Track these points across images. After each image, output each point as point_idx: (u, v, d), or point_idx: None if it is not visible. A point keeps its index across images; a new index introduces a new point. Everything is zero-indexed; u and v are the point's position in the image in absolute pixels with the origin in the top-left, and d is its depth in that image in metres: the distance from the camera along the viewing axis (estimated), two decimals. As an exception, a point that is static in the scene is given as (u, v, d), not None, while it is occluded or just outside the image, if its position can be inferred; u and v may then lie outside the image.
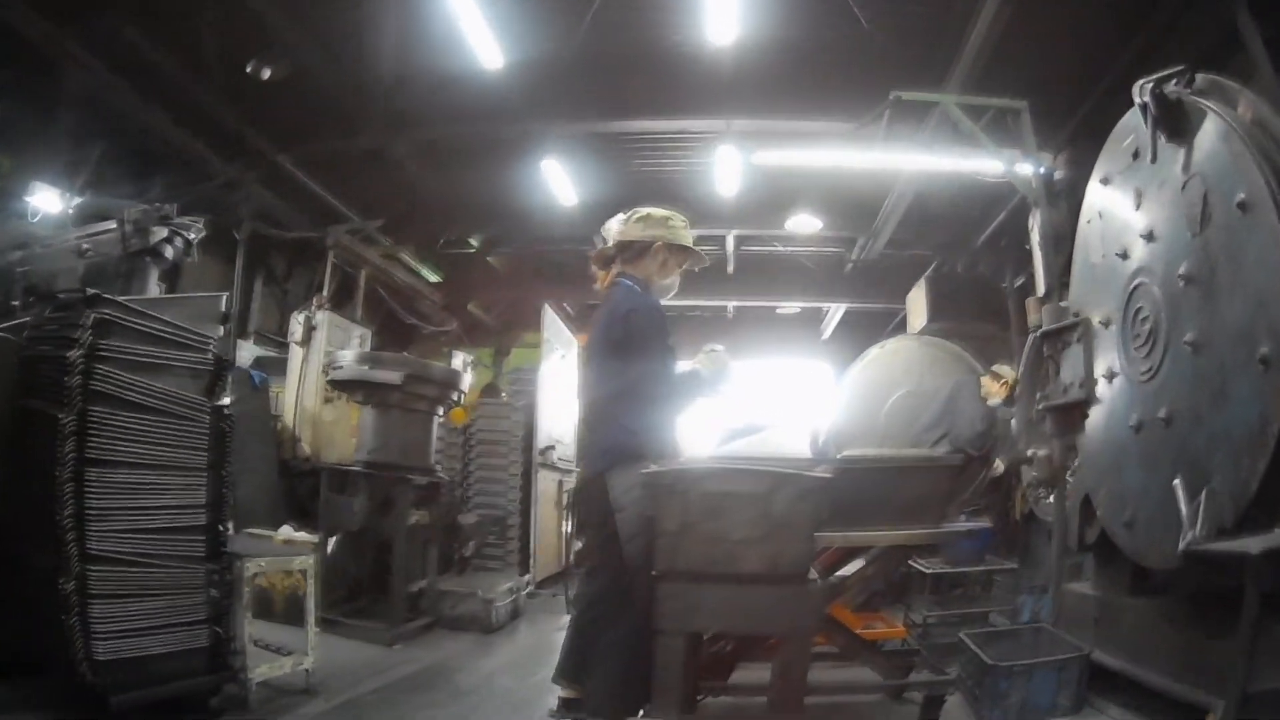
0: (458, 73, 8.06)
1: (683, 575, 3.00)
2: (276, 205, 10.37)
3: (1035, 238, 6.18)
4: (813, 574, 3.17)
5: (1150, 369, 3.32)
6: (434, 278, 13.96)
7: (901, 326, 12.34)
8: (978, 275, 11.03)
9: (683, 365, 4.04)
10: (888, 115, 6.55)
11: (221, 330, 4.85)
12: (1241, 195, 2.80)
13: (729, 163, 9.34)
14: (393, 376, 6.82)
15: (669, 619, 2.99)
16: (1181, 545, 2.91)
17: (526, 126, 9.22)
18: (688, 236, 4.08)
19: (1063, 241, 5.68)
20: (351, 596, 7.23)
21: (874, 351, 8.44)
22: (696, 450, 4.10)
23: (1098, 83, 6.64)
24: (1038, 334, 4.50)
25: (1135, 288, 3.46)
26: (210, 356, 4.45)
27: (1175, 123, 3.16)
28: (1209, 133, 3.01)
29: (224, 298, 5.16)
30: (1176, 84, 3.19)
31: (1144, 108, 3.24)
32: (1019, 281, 9.85)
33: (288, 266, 12.02)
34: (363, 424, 7.31)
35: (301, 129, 9.26)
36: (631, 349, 3.71)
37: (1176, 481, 3.02)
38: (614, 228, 4.14)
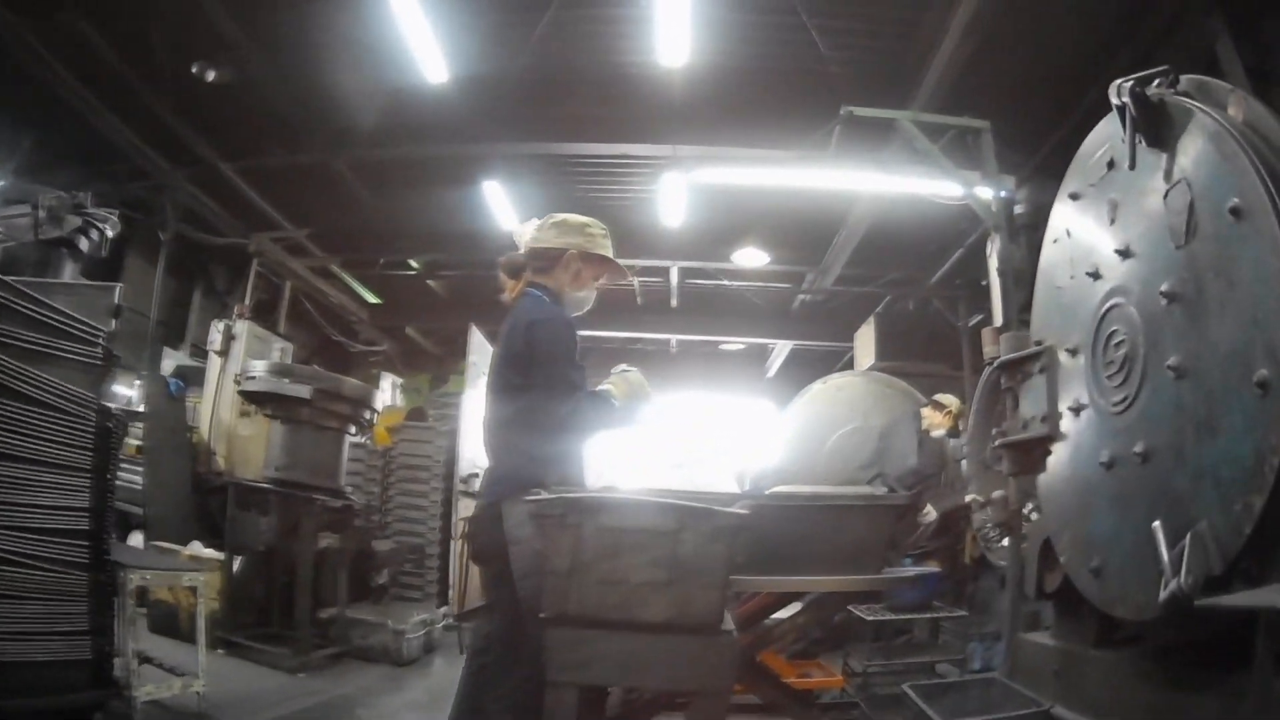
0: (402, 89, 7.90)
1: (575, 621, 2.61)
2: (218, 213, 10.25)
3: (994, 265, 5.92)
4: (729, 624, 2.77)
5: (1125, 399, 2.99)
6: (373, 299, 13.66)
7: (849, 365, 12.17)
8: (930, 314, 10.88)
9: (594, 389, 3.66)
10: (838, 132, 6.28)
11: (113, 323, 4.58)
12: (1235, 201, 2.48)
13: (675, 191, 9.08)
14: (302, 390, 6.59)
15: (560, 670, 2.60)
16: (1163, 595, 2.55)
17: (469, 147, 9.00)
18: (607, 246, 3.78)
19: (1022, 278, 5.45)
20: (260, 620, 7.03)
21: (817, 386, 8.16)
22: (614, 481, 3.78)
23: (1064, 119, 6.48)
24: (994, 365, 4.16)
25: (1108, 310, 3.14)
26: (100, 350, 4.24)
27: (1158, 126, 2.85)
28: (1197, 135, 2.70)
29: (117, 289, 4.88)
30: (1159, 85, 2.90)
31: (1122, 109, 2.93)
32: (973, 321, 9.66)
33: (229, 279, 11.80)
34: (272, 439, 7.11)
35: (245, 138, 9.10)
36: (533, 365, 3.40)
37: (1156, 524, 2.66)
38: (526, 233, 3.79)
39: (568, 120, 8.72)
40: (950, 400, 7.49)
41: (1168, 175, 2.81)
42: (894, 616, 5.45)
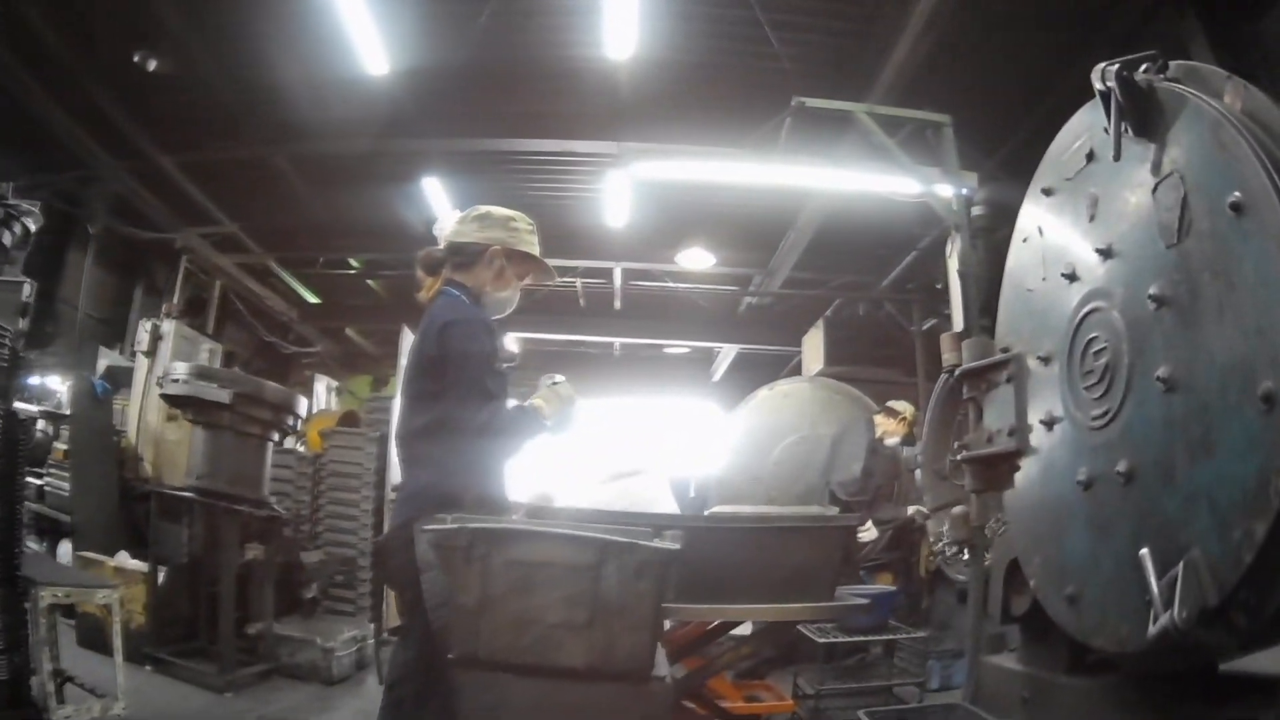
0: (342, 82, 7.60)
1: (485, 663, 2.31)
2: (157, 208, 9.89)
3: (953, 266, 5.69)
4: (661, 669, 2.47)
5: (1106, 413, 2.74)
6: (313, 298, 13.28)
7: (797, 370, 11.99)
8: (881, 318, 10.72)
9: (519, 400, 3.38)
10: (789, 126, 6.03)
11: (21, 322, 4.44)
12: (1236, 195, 2.25)
13: (619, 190, 8.80)
14: (221, 395, 6.23)
15: (471, 715, 2.32)
16: (1153, 629, 2.32)
17: (409, 142, 8.74)
18: (533, 243, 3.49)
19: (979, 283, 5.26)
20: (187, 635, 6.73)
21: (763, 393, 7.91)
22: (548, 492, 3.50)
23: (1026, 117, 6.32)
24: (955, 373, 3.90)
25: (1087, 314, 2.89)
26: (7, 351, 4.06)
27: (1146, 114, 2.61)
28: (1192, 123, 2.47)
29: (25, 285, 4.51)
30: (1146, 70, 2.66)
31: (1106, 95, 2.69)
32: (927, 325, 9.51)
33: (170, 277, 11.36)
34: (193, 446, 6.75)
35: (184, 131, 8.80)
36: (447, 371, 3.10)
37: (1144, 551, 2.42)
38: (447, 226, 3.48)
39: (510, 115, 8.48)
40: (904, 406, 7.30)
41: (1157, 168, 2.57)
42: (847, 639, 5.20)
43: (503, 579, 2.31)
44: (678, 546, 2.38)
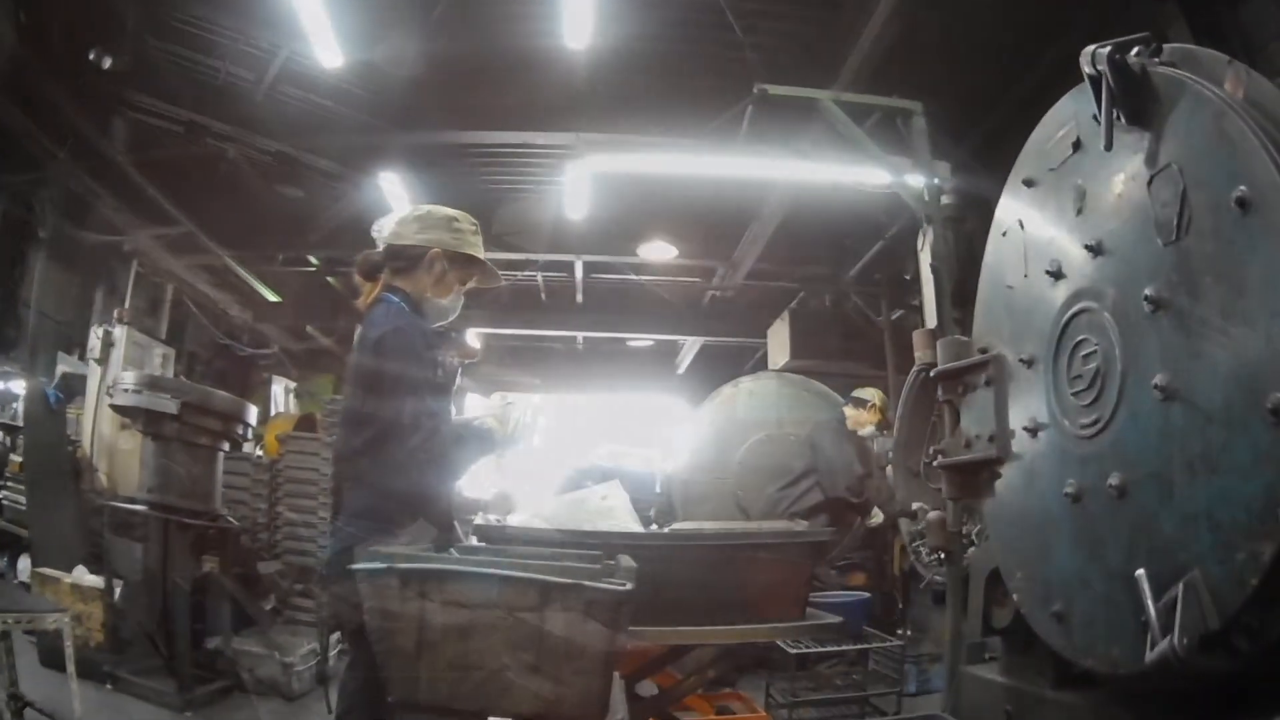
0: (296, 77, 7.57)
1: (427, 708, 2.18)
2: (117, 209, 9.62)
3: (925, 260, 5.52)
4: (619, 712, 2.30)
5: (1096, 422, 2.57)
6: (273, 297, 13.01)
7: (762, 363, 11.89)
8: (848, 309, 10.59)
9: (466, 415, 3.29)
10: (751, 114, 5.87)
11: None
12: (1241, 190, 2.08)
13: (578, 181, 8.63)
14: (168, 405, 6.08)
15: None
16: (1152, 655, 2.16)
17: (365, 137, 8.58)
18: (476, 244, 3.30)
19: (950, 277, 5.11)
20: (147, 651, 6.54)
21: (727, 390, 7.74)
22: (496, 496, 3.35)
23: (996, 105, 6.20)
24: (929, 373, 3.71)
25: (1074, 315, 2.72)
26: None
27: (1140, 100, 2.44)
28: (1191, 112, 2.30)
29: None
30: (1139, 53, 2.48)
31: (1096, 80, 2.51)
32: (895, 316, 9.39)
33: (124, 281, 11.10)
34: (144, 457, 6.63)
35: (139, 130, 8.65)
36: (383, 384, 2.90)
37: (1140, 573, 2.26)
38: (386, 228, 3.27)
39: (467, 107, 8.30)
40: (872, 393, 7.14)
41: (1152, 159, 2.40)
42: (820, 649, 5.04)
43: (440, 621, 2.13)
44: (629, 586, 2.18)
